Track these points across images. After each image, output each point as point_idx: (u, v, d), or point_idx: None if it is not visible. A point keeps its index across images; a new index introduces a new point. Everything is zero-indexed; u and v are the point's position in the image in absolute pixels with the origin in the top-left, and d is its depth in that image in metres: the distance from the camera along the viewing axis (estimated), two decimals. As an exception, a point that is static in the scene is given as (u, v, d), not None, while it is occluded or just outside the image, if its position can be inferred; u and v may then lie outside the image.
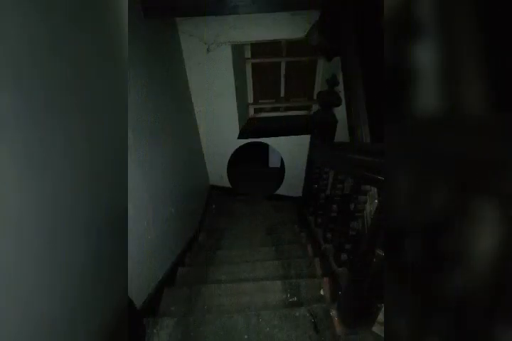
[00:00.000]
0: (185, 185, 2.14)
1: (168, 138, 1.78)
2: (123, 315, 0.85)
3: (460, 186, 0.38)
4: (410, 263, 0.45)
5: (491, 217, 0.34)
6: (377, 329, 1.00)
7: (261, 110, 3.12)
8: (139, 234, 1.27)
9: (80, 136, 0.61)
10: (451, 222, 0.39)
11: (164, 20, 1.87)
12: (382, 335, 0.98)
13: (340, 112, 1.58)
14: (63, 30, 0.55)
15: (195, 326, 1.14)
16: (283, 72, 2.76)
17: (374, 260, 0.85)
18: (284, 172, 3.14)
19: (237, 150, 2.93)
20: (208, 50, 2.27)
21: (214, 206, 3.03)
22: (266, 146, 3.11)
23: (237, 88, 2.51)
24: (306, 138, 2.01)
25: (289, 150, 2.93)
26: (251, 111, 3.08)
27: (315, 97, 2.91)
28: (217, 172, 3.11)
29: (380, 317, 0.98)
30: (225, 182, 3.19)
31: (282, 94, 2.94)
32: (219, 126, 2.73)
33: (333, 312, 1.13)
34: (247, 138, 2.84)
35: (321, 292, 1.32)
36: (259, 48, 2.61)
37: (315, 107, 2.98)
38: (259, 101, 3.02)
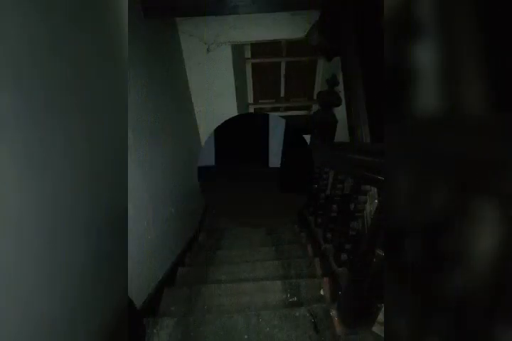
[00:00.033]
0: (185, 185, 2.14)
1: (168, 138, 1.78)
2: (123, 315, 0.85)
3: (460, 186, 0.38)
4: (410, 263, 0.45)
5: (491, 217, 0.34)
6: (377, 329, 1.00)
7: (261, 110, 3.12)
8: (139, 234, 1.27)
9: (80, 136, 0.61)
10: (451, 222, 0.39)
11: (164, 20, 1.87)
12: (382, 335, 0.98)
13: (340, 112, 1.58)
14: (63, 30, 0.55)
15: (195, 326, 1.14)
16: (283, 72, 2.76)
17: (374, 260, 0.84)
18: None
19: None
20: (208, 50, 2.27)
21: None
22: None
23: (237, 88, 2.51)
24: (305, 138, 2.01)
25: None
26: (251, 111, 3.08)
27: (315, 97, 2.92)
28: (217, 172, 3.11)
29: (380, 317, 0.98)
30: (225, 182, 3.19)
31: (282, 94, 2.94)
32: (219, 126, 2.74)
33: (333, 312, 1.13)
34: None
35: (321, 292, 1.32)
36: (259, 48, 2.62)
37: (315, 107, 2.98)
38: (259, 101, 3.02)
